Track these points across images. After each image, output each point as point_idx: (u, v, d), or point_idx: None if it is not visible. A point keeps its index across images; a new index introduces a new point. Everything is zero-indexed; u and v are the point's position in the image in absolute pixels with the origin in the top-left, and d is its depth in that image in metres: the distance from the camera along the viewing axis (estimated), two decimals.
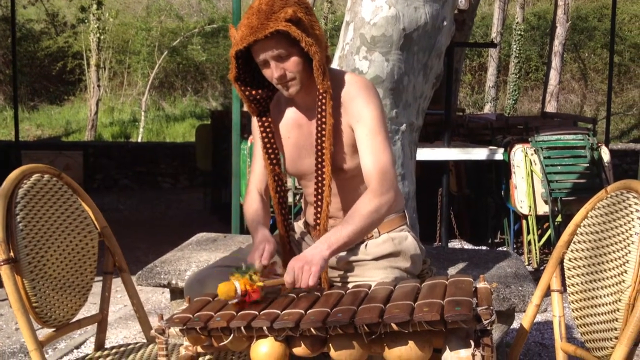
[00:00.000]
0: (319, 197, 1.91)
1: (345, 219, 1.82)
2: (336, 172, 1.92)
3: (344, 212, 1.98)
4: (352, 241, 1.82)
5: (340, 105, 1.89)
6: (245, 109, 2.27)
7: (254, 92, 1.97)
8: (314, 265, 1.70)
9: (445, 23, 2.73)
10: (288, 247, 2.03)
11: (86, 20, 14.99)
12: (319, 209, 1.92)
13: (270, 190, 2.03)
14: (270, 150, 2.00)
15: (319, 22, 1.87)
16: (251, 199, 2.08)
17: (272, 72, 1.84)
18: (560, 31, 14.17)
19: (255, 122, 2.03)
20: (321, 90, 1.84)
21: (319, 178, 1.90)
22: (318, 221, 1.92)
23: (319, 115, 1.87)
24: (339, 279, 2.02)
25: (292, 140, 2.01)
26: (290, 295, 1.70)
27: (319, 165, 1.89)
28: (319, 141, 1.88)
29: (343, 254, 2.00)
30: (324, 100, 1.85)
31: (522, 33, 17.41)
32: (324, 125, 1.86)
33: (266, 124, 2.00)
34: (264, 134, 2.00)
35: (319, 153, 1.88)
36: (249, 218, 2.03)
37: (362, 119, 1.87)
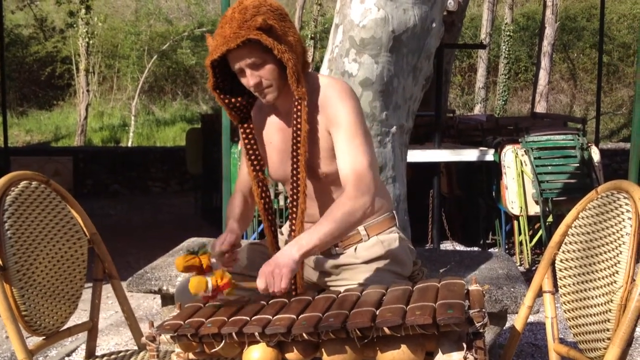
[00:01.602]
0: (295, 203, 1.90)
1: (319, 221, 1.80)
2: (314, 177, 1.92)
3: None
4: (325, 244, 1.78)
5: (317, 110, 1.87)
6: None
7: (233, 100, 1.96)
8: (284, 267, 1.68)
9: (434, 25, 2.73)
10: (276, 252, 2.02)
11: (75, 25, 14.91)
12: (294, 215, 1.90)
13: (255, 197, 2.01)
14: (252, 157, 1.98)
15: (294, 28, 1.86)
16: (233, 197, 2.11)
17: (248, 80, 1.83)
18: (549, 31, 14.24)
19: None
20: (297, 96, 1.84)
21: (294, 184, 1.88)
22: (294, 227, 1.90)
23: (295, 122, 1.85)
24: (329, 283, 2.02)
25: (274, 145, 2.00)
26: (281, 300, 1.70)
27: (294, 172, 1.88)
28: (295, 147, 1.87)
29: (333, 258, 2.00)
30: (299, 107, 1.84)
31: (511, 34, 17.49)
32: (299, 132, 1.85)
33: (248, 130, 1.99)
34: (246, 141, 1.99)
35: (294, 159, 1.87)
36: (227, 213, 2.06)
37: (339, 122, 1.85)
